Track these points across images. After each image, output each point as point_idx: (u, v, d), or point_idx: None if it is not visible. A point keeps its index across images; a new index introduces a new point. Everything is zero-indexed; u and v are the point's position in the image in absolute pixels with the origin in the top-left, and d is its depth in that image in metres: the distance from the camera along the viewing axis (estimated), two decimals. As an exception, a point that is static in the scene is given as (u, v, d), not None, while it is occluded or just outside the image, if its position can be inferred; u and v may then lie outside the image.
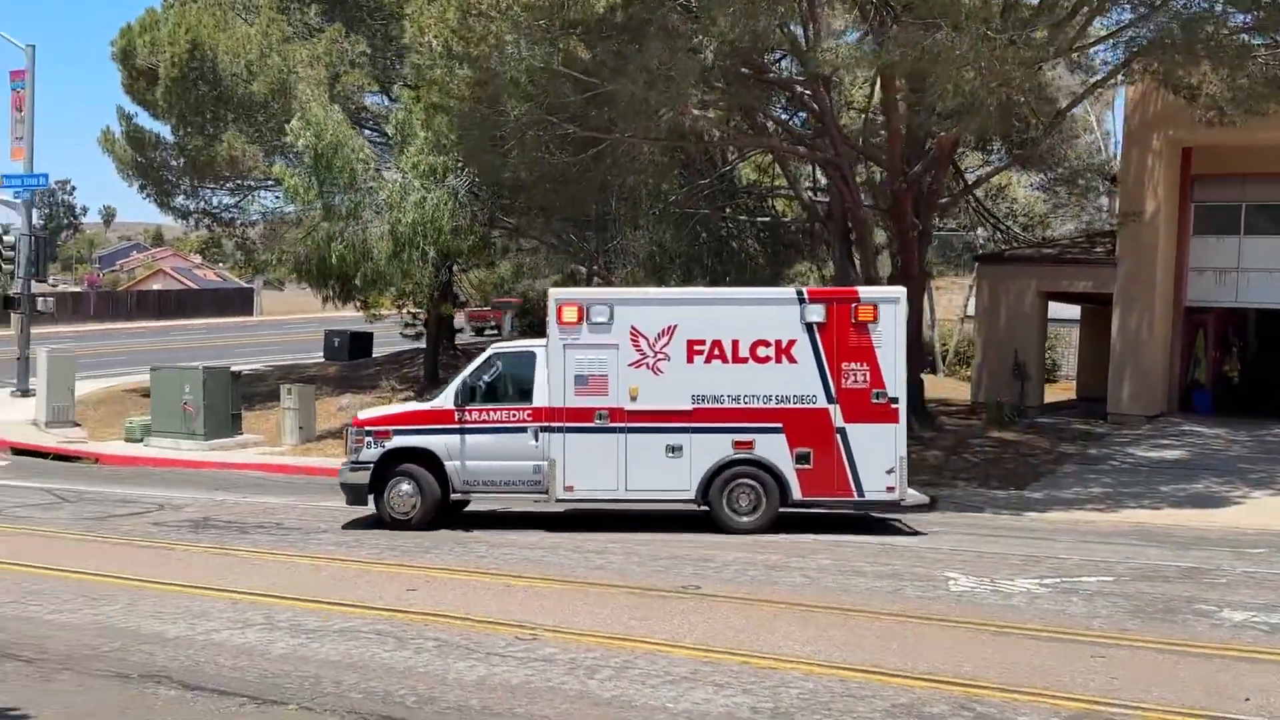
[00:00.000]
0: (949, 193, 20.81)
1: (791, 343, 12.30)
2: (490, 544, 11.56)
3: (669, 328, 12.49)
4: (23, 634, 7.92)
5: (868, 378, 12.23)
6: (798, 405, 12.26)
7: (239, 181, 25.22)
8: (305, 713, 6.13)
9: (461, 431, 12.70)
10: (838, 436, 12.21)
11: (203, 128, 23.55)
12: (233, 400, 21.07)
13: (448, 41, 16.54)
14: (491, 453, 12.72)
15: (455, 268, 24.56)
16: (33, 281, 28.21)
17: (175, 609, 8.63)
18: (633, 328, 12.53)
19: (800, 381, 12.29)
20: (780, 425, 12.30)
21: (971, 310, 32.18)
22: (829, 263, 25.29)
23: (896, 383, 12.30)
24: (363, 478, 12.88)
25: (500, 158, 18.06)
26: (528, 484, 12.72)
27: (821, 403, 12.27)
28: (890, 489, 12.28)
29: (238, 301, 68.75)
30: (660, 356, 12.45)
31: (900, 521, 12.71)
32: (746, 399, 12.34)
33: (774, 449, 12.33)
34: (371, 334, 30.07)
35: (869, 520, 12.72)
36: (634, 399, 12.40)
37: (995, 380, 21.68)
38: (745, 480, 12.42)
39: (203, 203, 26.24)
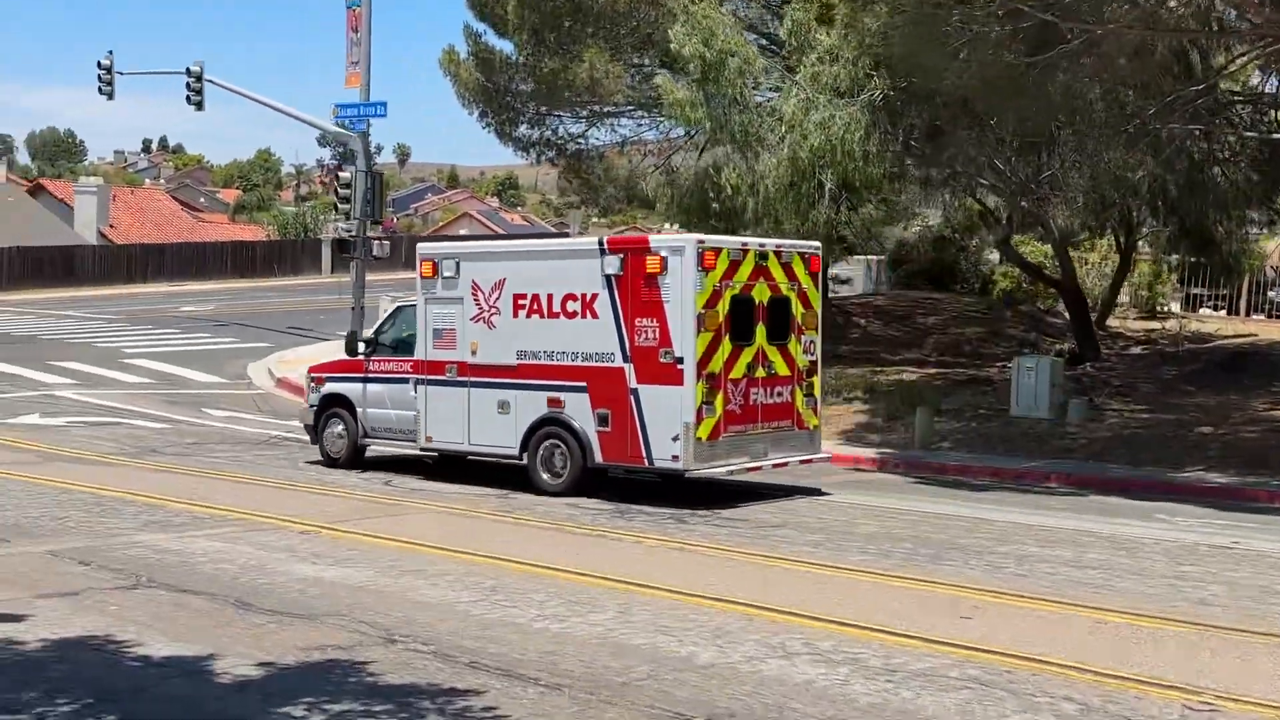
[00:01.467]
0: None
1: (594, 297, 12.79)
2: (1027, 556, 10.14)
3: (499, 281, 13.55)
4: (518, 646, 7.31)
5: (657, 335, 12.42)
6: (599, 364, 12.77)
7: (595, 108, 24.23)
8: (976, 806, 5.41)
9: (366, 381, 14.96)
10: (631, 398, 12.54)
11: (558, 45, 22.96)
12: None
13: (895, -86, 15.17)
14: (387, 402, 14.76)
15: (844, 205, 23.37)
16: (367, 224, 28.42)
17: (681, 622, 7.84)
18: (473, 282, 13.80)
19: (601, 338, 12.75)
20: (584, 384, 12.89)
21: None
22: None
23: (683, 341, 12.34)
24: (311, 419, 15.69)
25: (946, 60, 16.52)
26: (413, 433, 14.52)
27: (618, 362, 12.68)
28: (675, 457, 12.41)
29: (553, 247, 71.56)
30: (493, 311, 13.61)
31: None
32: (558, 356, 13.10)
33: (579, 409, 12.94)
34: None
35: None
36: (474, 354, 13.72)
37: None
38: (555, 441, 13.17)
39: (548, 132, 25.37)
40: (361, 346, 15.17)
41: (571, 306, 12.93)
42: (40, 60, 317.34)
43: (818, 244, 14.26)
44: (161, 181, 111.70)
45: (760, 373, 12.73)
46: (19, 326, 34.79)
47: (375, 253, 28.42)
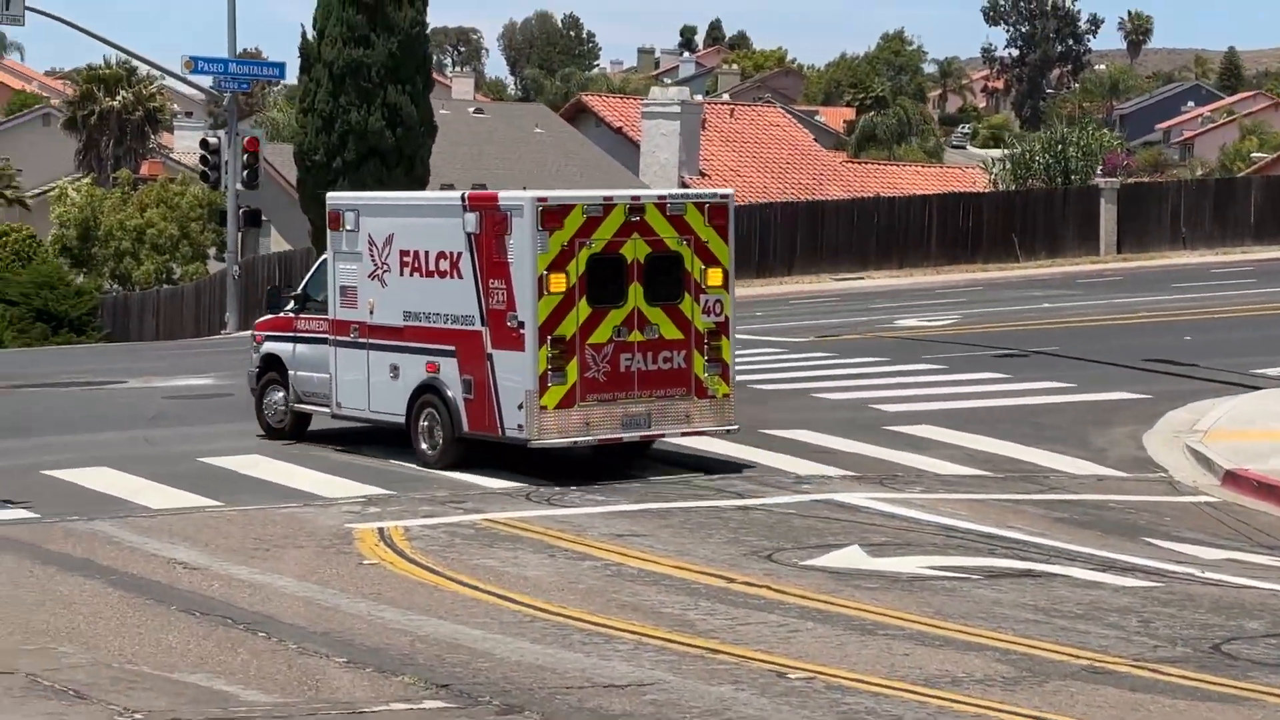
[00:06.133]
0: None
1: (459, 256, 18.20)
2: None
3: (389, 236, 18.92)
4: None
5: (505, 298, 17.61)
6: (464, 327, 18.10)
7: None
8: None
9: (295, 340, 20.25)
10: (488, 364, 17.67)
11: None
12: None
13: None
14: (313, 364, 19.79)
15: None
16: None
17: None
18: (369, 236, 19.01)
19: (465, 300, 17.94)
20: (454, 349, 18.12)
21: None
22: None
23: (524, 304, 17.35)
24: (253, 384, 20.31)
25: None
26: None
27: (477, 325, 17.94)
28: (520, 427, 17.46)
29: None
30: (384, 268, 18.99)
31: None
32: (435, 318, 18.47)
33: (450, 375, 18.07)
34: None
35: None
36: (372, 313, 18.94)
37: None
38: (432, 409, 18.36)
39: None
40: (291, 304, 19.57)
41: (443, 265, 18.24)
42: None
43: (727, 190, 18.13)
44: (725, 97, 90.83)
45: (635, 336, 17.85)
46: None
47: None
